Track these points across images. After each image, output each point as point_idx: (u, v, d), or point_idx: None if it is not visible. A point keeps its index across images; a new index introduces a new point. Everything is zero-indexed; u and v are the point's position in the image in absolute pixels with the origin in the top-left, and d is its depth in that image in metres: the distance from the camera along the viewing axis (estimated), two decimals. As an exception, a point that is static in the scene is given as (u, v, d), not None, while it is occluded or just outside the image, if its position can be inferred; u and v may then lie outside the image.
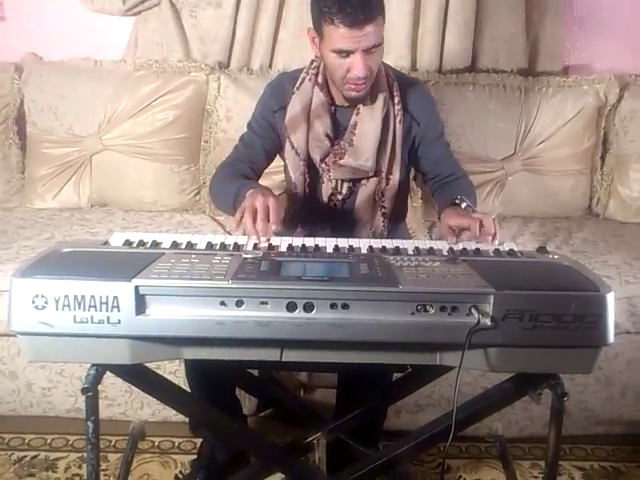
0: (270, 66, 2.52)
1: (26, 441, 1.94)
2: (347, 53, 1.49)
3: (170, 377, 1.87)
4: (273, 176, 2.10)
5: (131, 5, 2.48)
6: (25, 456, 1.88)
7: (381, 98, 1.63)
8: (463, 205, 1.49)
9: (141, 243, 1.29)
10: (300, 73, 1.70)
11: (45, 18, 2.54)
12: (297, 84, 1.67)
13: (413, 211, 2.35)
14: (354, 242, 1.35)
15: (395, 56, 2.50)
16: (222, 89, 2.41)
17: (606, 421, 2.00)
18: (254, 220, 1.32)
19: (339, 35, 1.47)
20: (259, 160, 1.73)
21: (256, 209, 1.34)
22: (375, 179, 1.68)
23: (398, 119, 1.65)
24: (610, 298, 1.09)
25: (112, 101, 2.39)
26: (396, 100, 1.65)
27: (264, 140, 1.73)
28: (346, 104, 1.66)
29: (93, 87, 2.41)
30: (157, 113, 2.40)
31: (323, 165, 1.68)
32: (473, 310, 1.06)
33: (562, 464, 1.90)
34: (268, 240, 1.32)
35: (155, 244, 1.29)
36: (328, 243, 1.34)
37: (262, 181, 1.81)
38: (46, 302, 1.04)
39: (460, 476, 1.85)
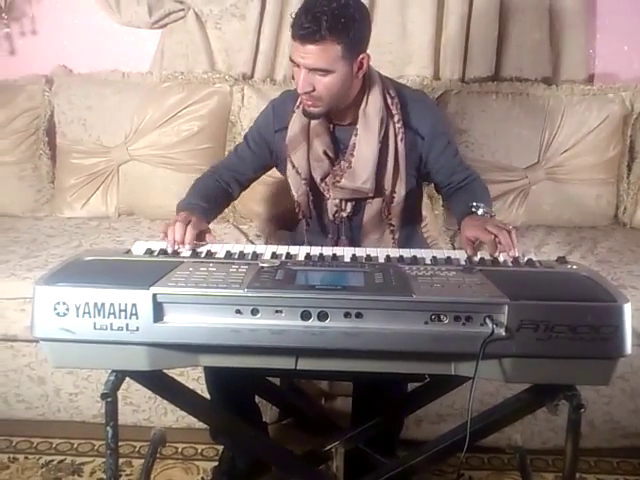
0: (293, 77, 2.54)
1: (53, 445, 1.98)
2: (297, 65, 1.50)
3: (193, 384, 1.90)
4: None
5: (157, 18, 2.53)
6: (52, 460, 1.92)
7: (377, 118, 1.60)
8: (480, 212, 1.49)
9: (162, 252, 1.32)
10: None
11: (74, 32, 2.61)
12: (297, 102, 1.66)
13: (434, 219, 2.34)
14: (372, 251, 1.36)
15: (418, 65, 2.51)
16: (246, 100, 2.44)
17: (632, 434, 1.96)
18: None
19: (292, 44, 1.50)
20: (246, 173, 1.77)
21: (176, 220, 1.40)
22: (379, 198, 1.67)
23: (399, 137, 1.62)
24: (627, 309, 1.07)
25: (139, 112, 2.44)
26: (396, 118, 1.62)
27: (255, 156, 1.75)
28: (344, 122, 1.65)
29: (120, 98, 2.46)
30: (182, 124, 2.44)
31: (323, 185, 1.68)
32: (487, 320, 1.07)
33: (587, 477, 1.88)
34: (186, 247, 1.36)
35: (175, 253, 1.32)
36: (346, 252, 1.35)
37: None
38: (67, 309, 1.07)
39: (482, 487, 1.84)
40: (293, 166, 1.68)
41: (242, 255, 1.32)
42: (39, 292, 1.08)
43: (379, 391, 1.60)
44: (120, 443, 1.87)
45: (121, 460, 1.88)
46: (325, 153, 1.65)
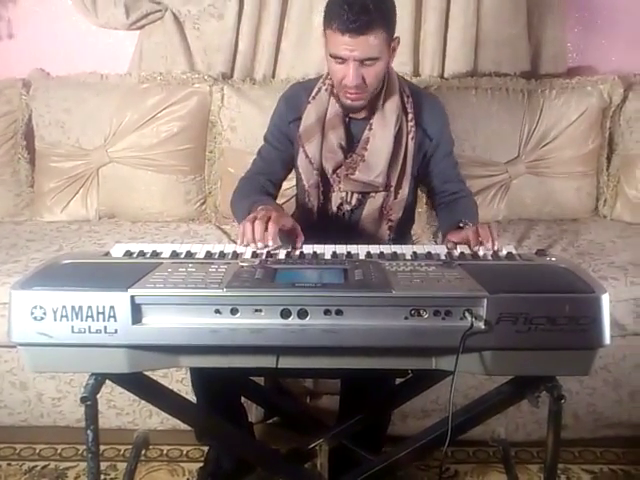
0: (273, 76, 2.55)
1: (37, 451, 1.96)
2: (342, 60, 1.51)
3: (177, 385, 1.91)
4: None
5: (135, 19, 2.52)
6: (36, 466, 1.90)
7: (394, 114, 1.63)
8: (465, 230, 1.48)
9: (141, 253, 1.31)
10: (313, 83, 1.72)
11: (51, 34, 2.59)
12: (313, 93, 1.68)
13: (418, 216, 2.34)
14: (352, 248, 1.36)
15: (397, 62, 2.45)
16: (226, 99, 2.43)
17: (615, 424, 1.98)
18: (253, 229, 1.34)
19: (335, 40, 1.49)
20: (277, 172, 1.76)
21: (255, 217, 1.36)
22: (383, 193, 1.69)
23: (410, 136, 1.65)
24: (605, 299, 1.07)
25: (117, 114, 2.42)
26: (409, 117, 1.65)
27: (281, 152, 1.75)
28: (360, 116, 1.66)
29: (99, 101, 2.44)
30: (162, 125, 2.43)
31: (334, 176, 1.69)
32: (467, 314, 1.06)
33: (571, 467, 1.89)
34: (265, 247, 1.33)
35: (155, 254, 1.30)
36: (326, 250, 1.35)
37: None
38: (44, 313, 1.06)
39: (467, 481, 1.85)
40: (306, 156, 1.68)
41: (222, 255, 1.31)
42: (15, 296, 1.07)
43: (367, 389, 1.60)
44: (104, 447, 1.91)
45: (106, 464, 1.87)
46: (340, 146, 1.66)
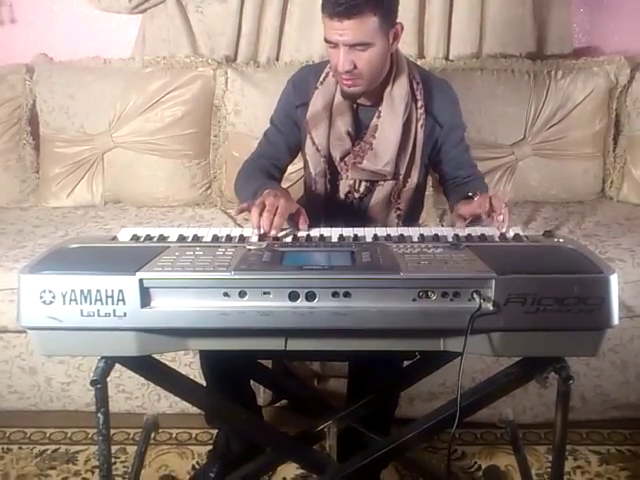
0: (277, 59, 2.53)
1: (47, 435, 1.98)
2: (334, 45, 1.49)
3: (185, 369, 1.92)
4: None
5: (137, 3, 2.50)
6: (46, 450, 1.92)
7: (403, 102, 1.60)
8: (476, 199, 1.48)
9: (148, 237, 1.31)
10: (323, 66, 1.69)
11: (54, 19, 2.58)
12: (321, 78, 1.66)
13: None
14: (359, 231, 1.36)
15: (401, 43, 2.45)
16: (230, 83, 2.42)
17: (623, 405, 1.99)
18: (260, 214, 1.34)
19: (326, 24, 1.48)
20: (282, 156, 1.75)
21: (264, 204, 1.35)
22: (392, 181, 1.67)
23: (420, 123, 1.63)
24: (613, 280, 1.07)
25: (122, 99, 2.41)
26: (419, 104, 1.62)
27: (286, 136, 1.74)
28: (368, 103, 1.64)
29: (103, 85, 2.44)
30: (166, 109, 2.42)
31: (342, 164, 1.68)
32: (475, 295, 1.06)
33: (578, 449, 1.90)
34: (272, 234, 1.33)
35: (162, 238, 1.30)
36: (333, 233, 1.35)
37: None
38: (53, 297, 1.06)
39: (475, 462, 1.86)
40: (313, 143, 1.67)
41: (229, 238, 1.31)
42: (24, 281, 1.07)
43: (375, 371, 1.60)
44: (114, 431, 1.92)
45: (115, 447, 1.89)
46: (348, 133, 1.64)
